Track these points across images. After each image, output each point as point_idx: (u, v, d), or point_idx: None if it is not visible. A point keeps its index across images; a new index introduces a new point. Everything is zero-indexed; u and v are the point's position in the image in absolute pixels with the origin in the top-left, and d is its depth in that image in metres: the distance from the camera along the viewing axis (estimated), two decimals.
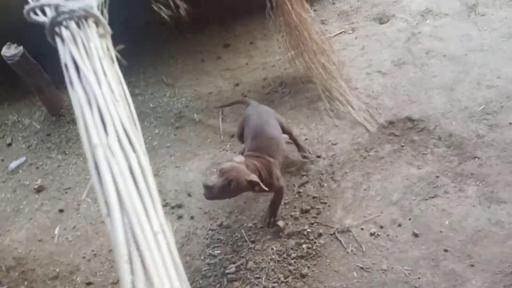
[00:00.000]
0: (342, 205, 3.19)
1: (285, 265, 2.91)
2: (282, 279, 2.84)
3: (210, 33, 4.85)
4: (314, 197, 3.26)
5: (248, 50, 4.60)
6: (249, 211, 3.24)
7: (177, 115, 4.10)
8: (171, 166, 3.66)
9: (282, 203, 3.21)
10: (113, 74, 1.62)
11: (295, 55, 4.07)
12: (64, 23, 1.71)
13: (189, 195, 3.42)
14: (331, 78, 3.94)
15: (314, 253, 2.95)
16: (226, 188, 2.59)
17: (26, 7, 1.79)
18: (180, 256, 2.90)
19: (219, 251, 3.04)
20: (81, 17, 1.73)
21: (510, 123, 3.46)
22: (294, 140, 3.48)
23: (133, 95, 4.38)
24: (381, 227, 3.00)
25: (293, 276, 2.84)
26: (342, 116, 3.78)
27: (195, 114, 4.08)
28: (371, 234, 2.96)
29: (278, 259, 2.95)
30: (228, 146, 3.74)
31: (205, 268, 2.95)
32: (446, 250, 2.80)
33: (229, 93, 4.18)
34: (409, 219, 3.01)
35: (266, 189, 2.72)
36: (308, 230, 3.07)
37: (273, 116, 3.26)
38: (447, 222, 2.94)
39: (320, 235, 3.03)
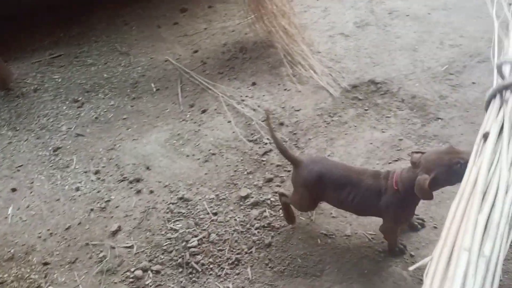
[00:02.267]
0: None
1: (249, 235, 2.83)
2: (246, 250, 2.76)
3: None
4: (277, 166, 3.17)
5: (207, 15, 4.42)
6: (210, 182, 3.13)
7: (133, 85, 3.93)
8: (128, 139, 3.51)
9: (245, 172, 3.13)
10: None
11: (256, 19, 3.92)
12: None
13: (147, 168, 3.28)
14: (293, 42, 3.81)
15: (278, 222, 2.88)
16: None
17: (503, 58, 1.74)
18: (139, 232, 2.81)
19: (180, 225, 2.93)
20: None
21: (473, 83, 3.43)
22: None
23: (85, 65, 4.19)
24: None
25: (257, 247, 2.76)
26: (304, 81, 3.67)
27: (152, 84, 3.91)
28: None
29: (241, 230, 2.86)
30: (188, 116, 3.60)
31: (166, 243, 2.85)
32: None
33: (188, 60, 4.02)
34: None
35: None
36: (272, 199, 2.99)
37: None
38: None
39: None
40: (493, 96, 1.69)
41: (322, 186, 2.44)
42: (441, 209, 2.71)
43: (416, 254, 2.58)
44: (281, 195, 2.74)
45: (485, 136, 1.62)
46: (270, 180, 3.09)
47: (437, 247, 1.38)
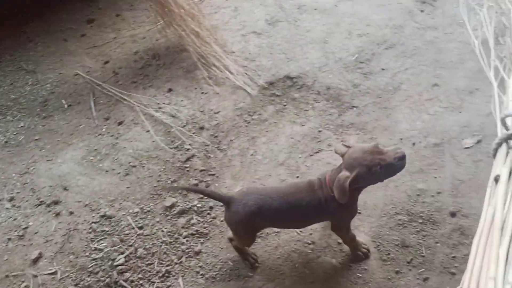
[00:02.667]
0: (231, 174, 3.09)
1: (178, 245, 2.77)
2: (176, 260, 2.70)
3: (71, 8, 4.44)
4: (201, 170, 3.12)
5: (115, 24, 4.28)
6: (133, 195, 3.03)
7: (43, 104, 3.72)
8: (42, 160, 3.32)
9: (169, 181, 3.06)
10: None
11: (165, 24, 3.83)
12: None
13: (65, 189, 3.12)
14: (205, 44, 3.77)
15: (206, 228, 2.83)
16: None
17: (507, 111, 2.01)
18: (62, 256, 2.66)
19: (105, 244, 2.81)
20: None
21: (382, 69, 3.54)
22: None
23: None
24: None
25: (187, 256, 2.71)
26: (221, 82, 3.64)
27: (63, 100, 3.72)
28: None
29: (169, 241, 2.79)
30: (103, 130, 3.46)
31: (91, 265, 2.72)
32: None
33: (99, 72, 3.87)
34: (297, 177, 2.98)
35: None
36: (198, 205, 2.94)
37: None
38: None
39: (211, 208, 2.92)
40: (499, 145, 1.94)
41: (262, 217, 2.34)
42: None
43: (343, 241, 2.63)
44: (231, 239, 2.60)
45: (496, 179, 1.81)
46: (195, 186, 3.04)
47: (463, 279, 1.58)
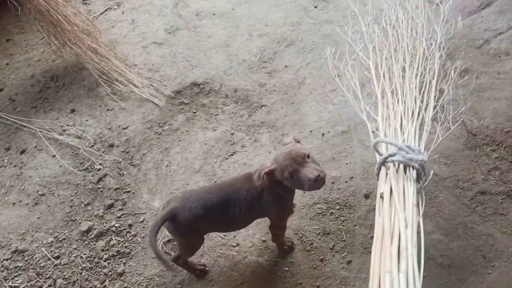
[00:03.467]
0: (147, 188, 3.01)
1: (99, 269, 2.65)
2: (99, 285, 2.58)
3: None
4: (116, 189, 3.02)
5: (6, 49, 4.03)
6: (45, 225, 2.86)
7: None
8: None
9: (82, 204, 2.92)
10: (414, 216, 2.08)
11: (60, 44, 3.66)
12: (395, 163, 2.27)
13: None
14: (105, 60, 3.65)
15: (127, 247, 2.74)
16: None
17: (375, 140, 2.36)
18: None
19: (20, 280, 2.63)
20: (411, 165, 2.24)
21: (285, 66, 3.62)
22: None
23: None
24: None
25: (110, 278, 2.60)
26: (126, 97, 3.54)
27: None
28: None
29: (90, 266, 2.67)
30: (5, 161, 3.24)
31: None
32: None
33: None
34: (215, 182, 2.97)
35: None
36: (117, 225, 2.83)
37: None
38: None
39: (130, 226, 2.82)
40: (379, 169, 2.29)
41: (208, 216, 2.26)
42: None
43: (267, 239, 2.65)
44: (176, 258, 2.45)
45: (382, 196, 2.16)
46: (111, 206, 2.93)
47: (370, 276, 1.90)
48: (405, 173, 2.22)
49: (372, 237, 2.55)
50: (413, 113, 2.50)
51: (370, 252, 2.48)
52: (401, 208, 2.07)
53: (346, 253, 2.53)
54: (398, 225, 2.00)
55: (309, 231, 2.64)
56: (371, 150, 2.94)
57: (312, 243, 2.59)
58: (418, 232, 2.46)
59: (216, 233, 2.70)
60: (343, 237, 2.59)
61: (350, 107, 3.22)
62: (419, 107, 2.53)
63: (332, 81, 3.41)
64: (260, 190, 2.25)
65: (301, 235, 2.63)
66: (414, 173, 2.22)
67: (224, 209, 2.27)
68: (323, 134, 3.11)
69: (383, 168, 2.27)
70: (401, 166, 2.25)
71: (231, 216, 2.29)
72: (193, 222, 2.22)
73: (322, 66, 3.56)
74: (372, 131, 3.04)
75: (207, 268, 2.57)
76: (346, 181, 2.83)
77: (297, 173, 2.02)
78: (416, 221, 2.06)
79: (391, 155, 2.23)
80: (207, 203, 2.24)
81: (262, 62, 3.67)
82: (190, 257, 2.51)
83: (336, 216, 2.68)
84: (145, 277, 2.59)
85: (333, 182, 2.84)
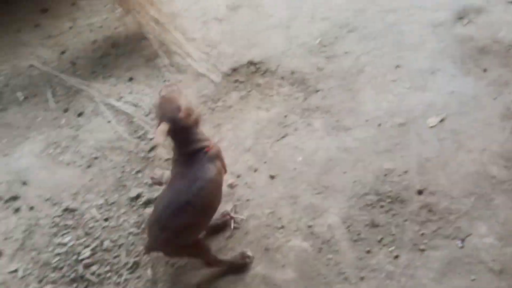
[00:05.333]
0: None
1: (145, 236, 2.70)
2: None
3: None
4: (166, 159, 3.05)
5: (70, 13, 4.13)
6: (97, 187, 2.94)
7: None
8: None
9: (133, 171, 2.97)
10: None
11: (124, 12, 3.72)
12: None
13: (24, 183, 3.00)
14: (166, 31, 3.68)
15: None
16: None
17: None
18: (23, 253, 2.56)
19: (69, 238, 2.72)
20: None
21: (345, 52, 3.54)
22: None
23: None
24: (238, 176, 2.90)
25: None
26: (183, 70, 3.57)
27: (18, 93, 3.57)
28: (229, 186, 2.85)
29: (136, 231, 2.72)
30: (63, 121, 3.34)
31: (55, 260, 2.62)
32: (302, 185, 2.80)
33: (55, 63, 3.73)
34: (264, 162, 2.95)
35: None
36: None
37: None
38: (300, 159, 2.93)
39: None
40: None
41: (173, 222, 2.21)
42: None
43: (313, 224, 2.62)
44: (208, 264, 2.45)
45: None
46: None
47: None
48: None
49: (422, 234, 2.48)
50: None
51: (420, 250, 2.43)
52: None
53: (394, 247, 2.46)
54: None
55: (357, 221, 2.59)
56: (429, 145, 2.85)
57: (359, 234, 2.54)
58: (470, 234, 2.40)
59: (261, 212, 2.69)
60: (392, 231, 2.52)
61: (410, 99, 3.13)
62: None
63: (393, 70, 3.31)
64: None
65: (349, 224, 2.58)
66: None
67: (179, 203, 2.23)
68: (379, 124, 3.02)
69: None
70: None
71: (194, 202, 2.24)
72: (167, 238, 2.21)
73: (384, 55, 3.45)
74: (431, 126, 2.96)
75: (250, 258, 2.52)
76: (400, 175, 2.75)
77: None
78: None
79: None
80: (163, 213, 2.22)
81: (322, 46, 3.60)
82: (211, 255, 2.43)
83: (387, 209, 2.61)
84: None
85: (385, 175, 2.76)
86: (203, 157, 2.29)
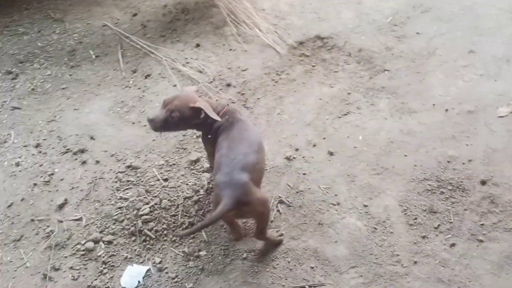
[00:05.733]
0: None
1: (202, 199, 2.77)
2: (200, 213, 2.71)
3: None
4: None
5: None
6: (159, 148, 3.03)
7: (70, 53, 3.70)
8: (69, 109, 3.32)
9: (194, 136, 3.04)
10: None
11: None
12: None
13: (92, 138, 3.13)
14: (235, 0, 3.68)
15: None
16: (169, 119, 2.37)
17: None
18: (87, 203, 2.69)
19: (130, 194, 2.83)
20: None
21: (417, 33, 3.44)
22: None
23: (17, 34, 3.93)
24: (297, 149, 2.90)
25: (210, 209, 2.71)
26: (250, 40, 3.57)
27: (90, 51, 3.70)
28: (287, 158, 2.86)
29: (192, 194, 2.79)
30: (131, 82, 3.44)
31: (116, 213, 2.74)
32: (361, 165, 2.78)
33: (127, 25, 3.82)
34: (324, 138, 2.94)
35: (217, 117, 2.39)
36: None
37: None
38: (360, 137, 2.91)
39: None
40: None
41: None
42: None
43: (369, 204, 2.60)
44: (260, 233, 2.43)
45: None
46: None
47: None
48: None
49: (482, 225, 2.42)
50: None
51: (478, 240, 2.37)
52: None
53: (451, 235, 2.42)
54: None
55: (414, 206, 2.55)
56: (497, 135, 2.75)
57: (416, 218, 2.50)
58: None
59: (317, 187, 2.70)
60: (451, 219, 2.47)
61: (482, 86, 3.02)
62: None
63: (466, 55, 3.19)
64: None
65: (405, 208, 2.55)
66: None
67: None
68: (446, 110, 2.94)
69: None
70: None
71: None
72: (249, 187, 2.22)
73: (457, 39, 3.32)
74: (501, 116, 2.85)
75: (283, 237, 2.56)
76: (464, 163, 2.68)
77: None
78: None
79: None
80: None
81: (393, 25, 3.51)
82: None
83: (447, 196, 2.56)
84: None
85: (449, 161, 2.69)
86: (233, 118, 2.44)
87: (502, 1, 3.48)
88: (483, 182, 2.58)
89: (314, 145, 2.92)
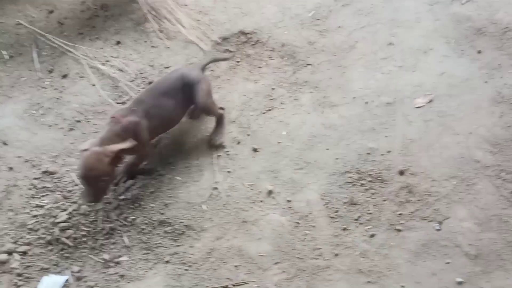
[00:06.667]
0: (180, 131, 2.99)
1: (122, 204, 2.68)
2: (115, 217, 2.62)
3: None
4: None
5: None
6: (77, 151, 2.90)
7: None
8: None
9: None
10: None
11: None
12: None
13: (4, 143, 2.95)
14: None
15: (152, 184, 2.76)
16: (102, 185, 2.46)
17: None
18: (0, 213, 2.53)
19: (46, 201, 2.70)
20: None
21: (338, 27, 3.47)
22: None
23: None
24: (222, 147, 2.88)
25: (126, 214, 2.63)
26: (172, 36, 3.49)
27: (3, 51, 3.49)
28: (211, 156, 2.82)
29: (112, 199, 2.70)
30: (47, 82, 3.28)
31: (32, 222, 2.61)
32: (284, 160, 2.78)
33: (43, 22, 3.63)
34: (248, 135, 2.92)
35: (128, 144, 2.48)
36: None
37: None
38: (284, 133, 2.91)
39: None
40: None
41: None
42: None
43: (292, 199, 2.61)
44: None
45: None
46: None
47: None
48: None
49: (400, 214, 2.48)
50: None
51: (396, 230, 2.43)
52: None
53: (370, 226, 2.46)
54: None
55: (336, 199, 2.58)
56: (414, 126, 2.82)
57: (337, 211, 2.53)
58: (449, 217, 2.40)
59: (242, 184, 2.68)
60: (370, 210, 2.52)
61: (400, 78, 3.09)
62: None
63: (385, 48, 3.25)
64: None
65: (327, 201, 2.57)
66: None
67: None
68: (366, 103, 2.99)
69: None
70: None
71: None
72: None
73: (378, 32, 3.38)
74: (418, 107, 2.93)
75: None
76: (383, 154, 2.73)
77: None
78: None
79: None
80: None
81: (315, 19, 3.52)
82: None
83: (367, 188, 2.60)
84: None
85: (368, 153, 2.74)
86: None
87: None
88: (401, 172, 2.64)
89: (239, 142, 2.89)
